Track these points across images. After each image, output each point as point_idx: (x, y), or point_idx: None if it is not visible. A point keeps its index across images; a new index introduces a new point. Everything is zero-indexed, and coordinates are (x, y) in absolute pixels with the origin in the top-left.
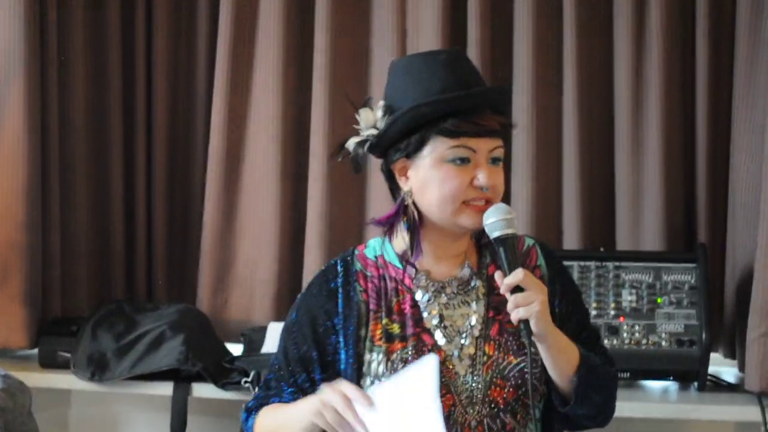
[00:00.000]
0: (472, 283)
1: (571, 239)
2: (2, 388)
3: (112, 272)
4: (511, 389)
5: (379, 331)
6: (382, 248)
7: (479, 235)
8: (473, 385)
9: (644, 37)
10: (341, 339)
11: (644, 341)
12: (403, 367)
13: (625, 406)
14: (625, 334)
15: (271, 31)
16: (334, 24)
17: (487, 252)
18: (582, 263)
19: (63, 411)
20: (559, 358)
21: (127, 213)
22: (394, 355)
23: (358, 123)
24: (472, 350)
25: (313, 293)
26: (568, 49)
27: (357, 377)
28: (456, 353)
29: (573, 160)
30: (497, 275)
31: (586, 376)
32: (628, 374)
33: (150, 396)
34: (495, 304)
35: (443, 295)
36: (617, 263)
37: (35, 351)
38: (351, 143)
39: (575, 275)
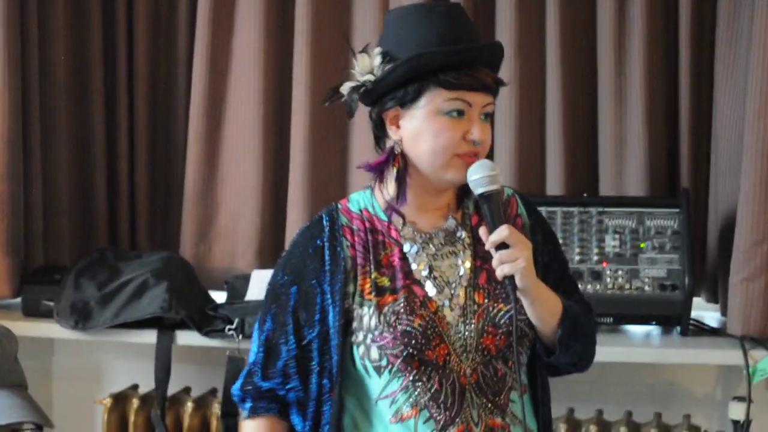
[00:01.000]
0: (458, 234)
1: (554, 185)
2: None
3: (94, 221)
4: (502, 336)
5: (368, 285)
6: (366, 201)
7: (461, 186)
8: (466, 333)
9: None
10: (328, 296)
11: (627, 286)
12: (396, 319)
13: (608, 351)
14: (608, 279)
15: (250, 7)
16: None
17: (470, 203)
18: (565, 209)
19: (46, 360)
20: (543, 311)
21: (110, 163)
22: (386, 308)
23: (341, 75)
24: (462, 300)
25: (299, 252)
26: (551, 2)
27: (344, 334)
28: (447, 303)
29: (556, 107)
30: (482, 231)
31: (569, 326)
32: (611, 319)
33: (134, 344)
34: (482, 254)
35: (431, 245)
36: (600, 209)
37: (18, 300)
38: (346, 87)
39: (558, 221)
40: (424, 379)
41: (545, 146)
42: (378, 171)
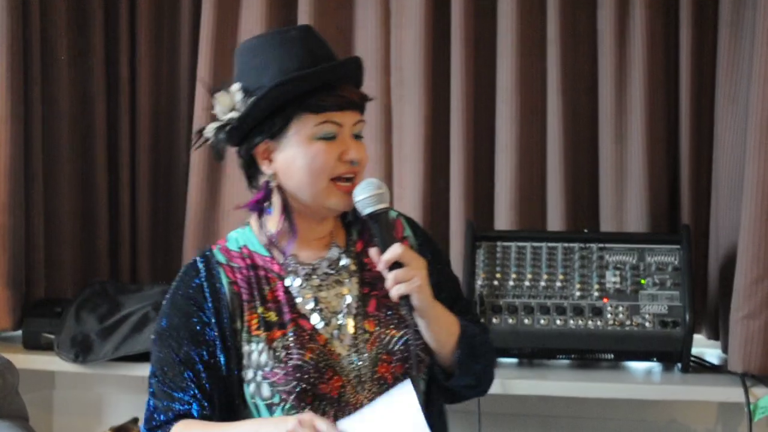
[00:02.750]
0: (342, 262)
1: (555, 221)
2: None
3: (95, 254)
4: (398, 363)
5: (255, 321)
6: (245, 239)
7: (343, 214)
8: (359, 363)
9: (627, 19)
10: (217, 332)
11: (628, 322)
12: (286, 354)
13: (609, 388)
14: (609, 315)
15: (255, 7)
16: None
17: (353, 230)
18: (566, 245)
19: (47, 392)
20: (440, 331)
21: (111, 195)
22: (275, 343)
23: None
24: (351, 329)
25: (179, 294)
26: (552, 33)
27: (236, 371)
28: (335, 334)
29: (557, 142)
30: (373, 252)
31: (467, 346)
32: (612, 355)
33: (134, 377)
34: (368, 280)
35: (315, 277)
36: (601, 245)
37: (19, 333)
38: (210, 130)
39: (559, 256)
40: (319, 413)
41: (546, 182)
42: (257, 207)
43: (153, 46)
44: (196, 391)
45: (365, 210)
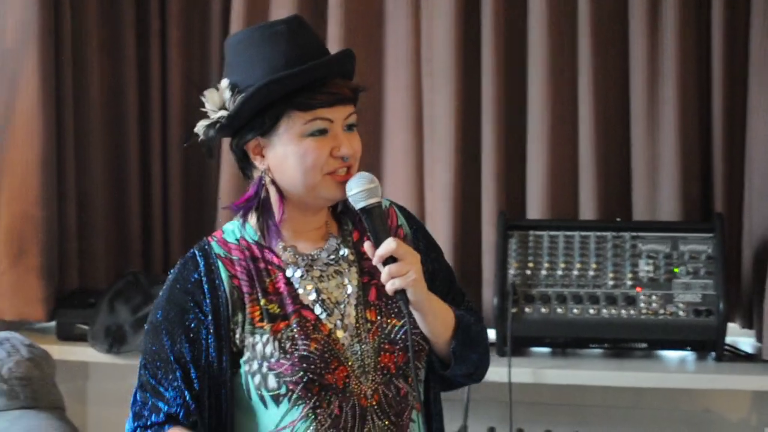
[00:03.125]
0: (341, 252)
1: (587, 210)
2: (28, 357)
3: (128, 245)
4: (400, 353)
5: (258, 313)
6: (241, 231)
7: (336, 204)
8: (362, 353)
9: (660, 7)
10: (212, 329)
11: (661, 311)
12: (291, 345)
13: (642, 377)
14: (642, 305)
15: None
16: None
17: (347, 219)
18: (599, 234)
19: (81, 383)
20: (436, 323)
21: (143, 185)
22: (280, 334)
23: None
24: (353, 319)
25: (177, 287)
26: (583, 20)
27: (234, 366)
28: (338, 324)
29: (589, 130)
30: (367, 246)
31: (463, 336)
32: (646, 344)
33: None
34: (368, 269)
35: (315, 268)
36: (634, 233)
37: (53, 324)
38: (200, 127)
39: (592, 246)
40: (324, 404)
41: (578, 171)
42: (247, 207)
43: (184, 38)
44: (186, 393)
45: (358, 204)
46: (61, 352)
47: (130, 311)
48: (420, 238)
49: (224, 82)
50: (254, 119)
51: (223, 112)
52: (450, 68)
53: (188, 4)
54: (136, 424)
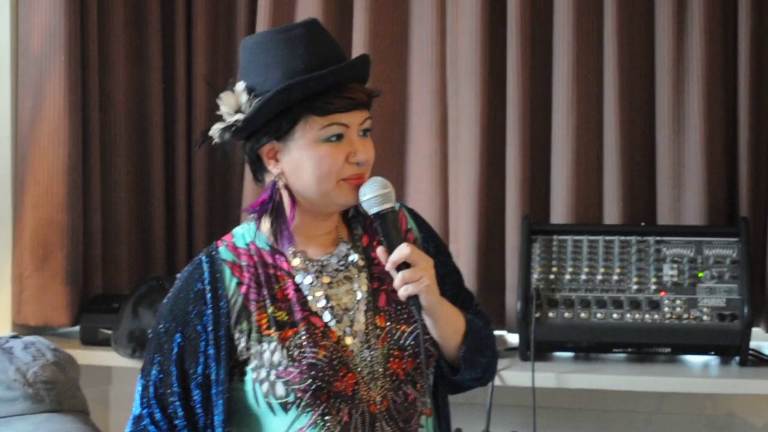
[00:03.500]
0: (350, 258)
1: (611, 214)
2: (53, 361)
3: (152, 250)
4: (409, 359)
5: (265, 320)
6: (251, 235)
7: (346, 209)
8: (371, 360)
9: (686, 10)
10: (212, 341)
11: (685, 316)
12: (300, 352)
13: (666, 381)
14: (666, 309)
15: (311, 6)
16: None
17: (357, 224)
18: (623, 238)
19: (104, 388)
20: (447, 329)
21: (168, 191)
22: (288, 342)
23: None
24: (363, 326)
25: (181, 297)
26: (609, 24)
27: (240, 375)
28: (347, 331)
29: (613, 134)
30: (380, 251)
31: (473, 341)
32: (669, 349)
33: None
34: (377, 275)
35: (325, 274)
36: (658, 238)
37: (77, 328)
38: (215, 130)
39: (616, 250)
40: (333, 411)
41: (602, 175)
42: (262, 210)
43: (209, 44)
44: (180, 410)
45: (371, 210)
46: (85, 356)
47: (153, 315)
48: (429, 242)
49: (240, 85)
50: (270, 123)
51: (240, 116)
52: (475, 72)
53: (214, 8)
54: (133, 427)
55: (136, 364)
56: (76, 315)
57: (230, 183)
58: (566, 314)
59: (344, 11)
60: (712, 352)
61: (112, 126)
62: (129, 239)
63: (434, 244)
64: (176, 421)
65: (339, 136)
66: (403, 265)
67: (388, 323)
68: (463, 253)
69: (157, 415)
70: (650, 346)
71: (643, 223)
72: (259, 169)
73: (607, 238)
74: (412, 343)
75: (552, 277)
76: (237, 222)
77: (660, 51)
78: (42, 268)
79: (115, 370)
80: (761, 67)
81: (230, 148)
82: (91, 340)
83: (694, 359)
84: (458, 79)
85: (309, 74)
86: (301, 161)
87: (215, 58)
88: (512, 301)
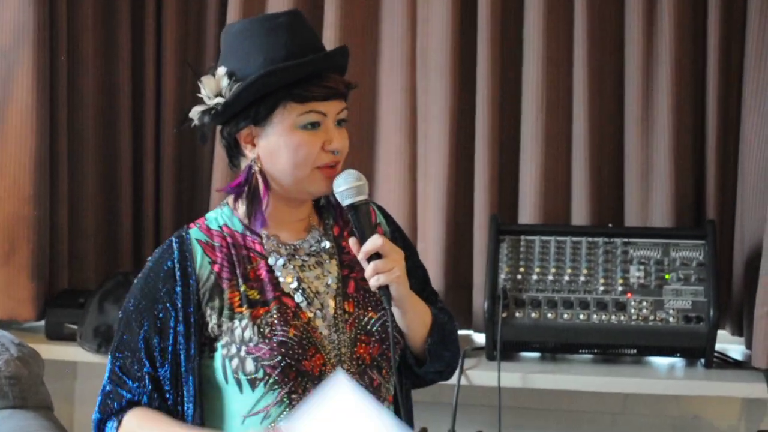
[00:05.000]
0: (322, 244)
1: (579, 215)
2: (17, 356)
3: (119, 245)
4: (375, 344)
5: (237, 298)
6: (225, 218)
7: (318, 197)
8: (339, 343)
9: (655, 12)
10: (181, 318)
11: (652, 317)
12: (270, 330)
13: (632, 382)
14: (632, 310)
15: (281, 2)
16: None
17: (329, 215)
18: (590, 239)
19: (69, 383)
20: (415, 320)
21: (135, 186)
22: (260, 320)
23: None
24: (332, 310)
25: (151, 276)
26: (579, 25)
27: (209, 351)
28: (318, 314)
29: (582, 135)
30: (352, 242)
31: (438, 334)
32: (635, 350)
33: None
34: (347, 263)
35: (297, 258)
36: (625, 239)
37: (42, 323)
38: (195, 113)
39: (583, 251)
40: (300, 390)
41: (571, 176)
42: (239, 191)
43: (179, 39)
44: (148, 382)
45: (345, 201)
46: (50, 351)
47: (119, 311)
48: (397, 238)
49: (221, 70)
50: (249, 108)
51: (220, 99)
52: (445, 70)
53: (184, 2)
54: (99, 415)
55: (102, 360)
56: (42, 309)
57: (198, 179)
58: (533, 314)
59: (315, 8)
60: (678, 354)
61: (80, 120)
62: (96, 234)
63: (401, 241)
64: (137, 397)
65: (316, 124)
66: (374, 256)
67: (357, 309)
68: (431, 251)
69: (123, 392)
70: (616, 347)
71: (610, 225)
72: (235, 154)
73: (575, 239)
74: (379, 329)
75: (519, 277)
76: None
77: (629, 53)
78: (8, 262)
79: (81, 366)
80: (729, 71)
81: (208, 132)
82: (56, 334)
83: (660, 361)
84: (428, 76)
85: (290, 62)
86: (277, 146)
87: (185, 51)
88: (479, 301)
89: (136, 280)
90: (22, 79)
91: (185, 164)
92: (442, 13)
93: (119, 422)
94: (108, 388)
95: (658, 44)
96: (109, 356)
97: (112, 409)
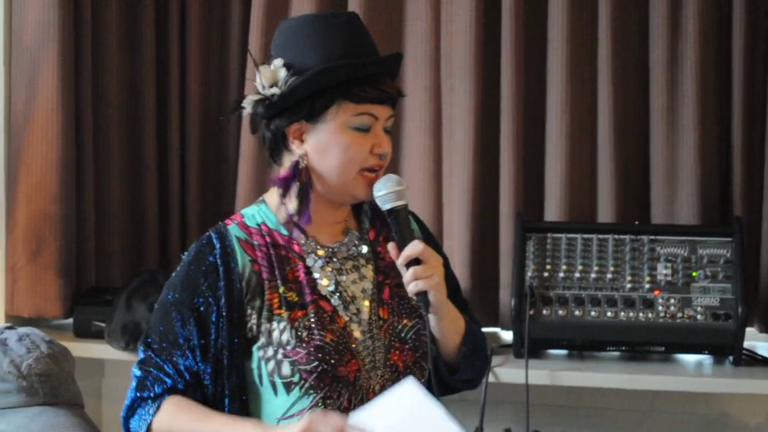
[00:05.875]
0: (359, 248)
1: (605, 212)
2: (47, 354)
3: (145, 243)
4: (409, 352)
5: (277, 300)
6: (262, 215)
7: (358, 202)
8: (374, 349)
9: (680, 11)
10: (224, 313)
11: (679, 315)
12: (308, 334)
13: (660, 380)
14: (660, 308)
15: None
16: None
17: (365, 218)
18: (617, 236)
19: (97, 380)
20: (450, 328)
21: (161, 184)
22: (297, 323)
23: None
24: (367, 315)
25: (192, 269)
26: (604, 23)
27: (245, 352)
28: (353, 318)
29: (607, 132)
30: (391, 247)
31: (471, 343)
32: (663, 348)
33: None
34: (382, 268)
35: (335, 260)
36: (652, 237)
37: (70, 321)
38: (249, 101)
39: (610, 248)
40: (335, 395)
41: (596, 173)
42: (285, 185)
43: (203, 37)
44: (187, 377)
45: (385, 206)
46: (78, 349)
47: (147, 309)
48: (431, 245)
49: (278, 61)
50: (304, 102)
51: (275, 90)
52: (469, 70)
53: (208, 1)
54: (138, 394)
55: (130, 357)
56: (69, 307)
57: (224, 176)
58: (560, 312)
59: (338, 8)
60: (706, 352)
61: (105, 118)
62: (122, 232)
63: (434, 247)
64: (178, 384)
65: (368, 127)
66: (413, 261)
67: (391, 316)
68: (457, 250)
69: (163, 376)
70: (644, 344)
71: (636, 222)
72: (279, 148)
73: (601, 236)
74: (413, 337)
75: (546, 274)
76: (231, 214)
77: (654, 50)
78: (35, 259)
79: (108, 363)
80: (755, 68)
81: (260, 121)
82: (84, 332)
83: (688, 358)
84: (452, 76)
85: (347, 60)
86: (328, 144)
87: (209, 50)
88: (506, 299)
89: (174, 273)
90: (47, 77)
91: (211, 161)
92: (466, 12)
93: (158, 407)
94: (141, 373)
95: (682, 42)
96: (141, 348)
97: (153, 391)
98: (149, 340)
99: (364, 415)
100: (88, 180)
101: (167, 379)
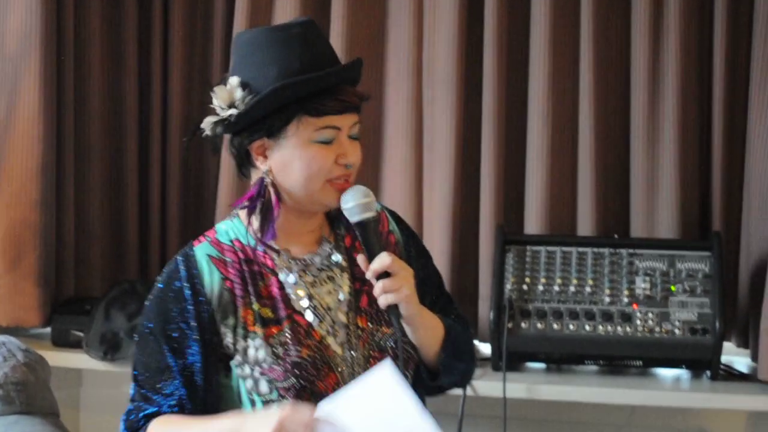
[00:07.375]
0: (333, 258)
1: (585, 226)
2: (24, 362)
3: (125, 252)
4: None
5: (251, 317)
6: (236, 231)
7: (329, 209)
8: (352, 361)
9: (661, 25)
10: (196, 336)
11: (657, 329)
12: (284, 351)
13: (637, 394)
14: (638, 322)
15: (288, 7)
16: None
17: (340, 224)
18: (596, 250)
19: (74, 390)
20: (426, 337)
21: (141, 193)
22: (272, 339)
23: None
24: (344, 326)
25: (161, 297)
26: (585, 36)
27: (223, 370)
28: (330, 330)
29: (588, 146)
30: (360, 260)
31: (451, 348)
32: (641, 362)
33: None
34: (359, 276)
35: (308, 273)
36: (631, 250)
37: (48, 330)
38: (207, 123)
39: (589, 262)
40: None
41: (577, 187)
42: (252, 204)
43: (186, 46)
44: (177, 396)
45: (352, 218)
46: (56, 358)
47: (125, 318)
48: (411, 244)
49: (234, 80)
50: (263, 120)
51: (233, 110)
52: (451, 81)
53: (191, 10)
54: (124, 425)
55: (108, 367)
56: (48, 316)
57: (204, 186)
58: (539, 325)
59: (321, 18)
60: (684, 366)
61: (86, 126)
62: (102, 241)
63: (415, 246)
64: (163, 409)
65: (330, 140)
66: (383, 274)
67: (370, 324)
68: (437, 262)
69: (148, 406)
70: (622, 358)
71: (616, 236)
72: (245, 165)
73: (581, 249)
74: (392, 346)
75: (525, 287)
76: (210, 225)
77: (635, 64)
78: (14, 268)
79: (86, 373)
80: (735, 82)
81: (220, 142)
82: (62, 341)
83: (666, 372)
84: (434, 87)
85: (305, 74)
86: (291, 160)
87: (192, 59)
88: (485, 311)
89: (148, 302)
90: (28, 85)
91: (192, 171)
92: (448, 23)
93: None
94: (131, 407)
95: (663, 57)
96: (132, 381)
97: (140, 422)
98: (135, 372)
99: (335, 405)
100: (69, 188)
101: (153, 408)
